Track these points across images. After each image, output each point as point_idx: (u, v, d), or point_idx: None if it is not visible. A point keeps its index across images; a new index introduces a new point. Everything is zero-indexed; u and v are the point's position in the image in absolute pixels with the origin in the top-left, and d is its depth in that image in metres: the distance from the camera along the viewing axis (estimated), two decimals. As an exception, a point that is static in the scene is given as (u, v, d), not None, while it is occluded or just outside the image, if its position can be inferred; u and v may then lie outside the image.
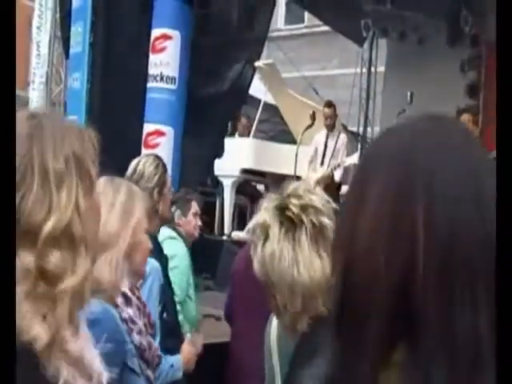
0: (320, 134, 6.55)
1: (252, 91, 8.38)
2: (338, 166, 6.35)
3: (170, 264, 2.92)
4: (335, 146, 6.47)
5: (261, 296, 1.55)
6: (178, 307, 2.96)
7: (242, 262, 3.17)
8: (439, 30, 8.83)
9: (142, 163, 2.65)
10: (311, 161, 6.54)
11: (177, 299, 2.99)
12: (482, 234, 0.60)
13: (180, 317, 2.96)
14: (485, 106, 9.08)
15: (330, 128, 6.52)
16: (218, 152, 6.95)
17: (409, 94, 6.27)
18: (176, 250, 3.09)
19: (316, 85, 9.66)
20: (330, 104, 6.60)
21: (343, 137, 6.59)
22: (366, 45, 10.19)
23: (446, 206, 0.60)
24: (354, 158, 6.40)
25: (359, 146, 10.18)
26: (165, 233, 3.04)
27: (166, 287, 2.63)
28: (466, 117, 5.40)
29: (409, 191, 0.61)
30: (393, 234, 0.60)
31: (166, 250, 2.88)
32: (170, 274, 2.89)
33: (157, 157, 2.85)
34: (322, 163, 6.48)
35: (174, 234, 3.17)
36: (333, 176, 6.34)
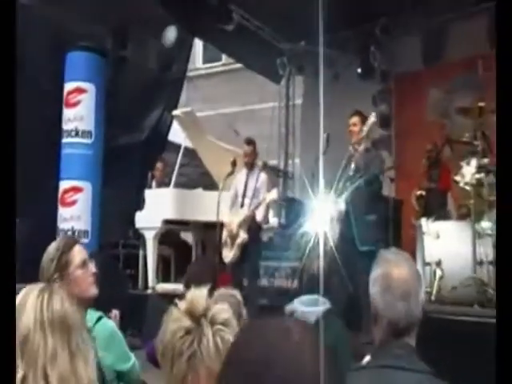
0: (240, 175, 6.33)
1: (171, 137, 8.29)
2: (259, 204, 6.22)
3: (113, 344, 2.75)
4: (255, 186, 6.26)
5: None
6: None
7: None
8: (352, 65, 9.09)
9: (44, 258, 2.50)
10: (232, 204, 6.30)
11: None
12: None
13: None
14: (396, 136, 9.42)
15: (250, 166, 6.30)
16: (139, 204, 6.78)
17: (325, 136, 6.30)
18: (109, 326, 2.86)
19: (236, 121, 9.67)
20: (249, 141, 6.42)
21: (263, 176, 6.38)
22: (283, 82, 10.33)
23: None
24: (274, 194, 6.29)
25: (281, 181, 10.27)
26: (94, 315, 2.82)
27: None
28: (354, 119, 5.41)
29: None
30: None
31: (101, 332, 2.69)
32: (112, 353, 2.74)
33: (58, 240, 2.65)
34: (243, 205, 6.26)
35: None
36: (254, 216, 6.22)
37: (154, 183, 7.20)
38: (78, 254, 2.50)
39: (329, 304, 2.86)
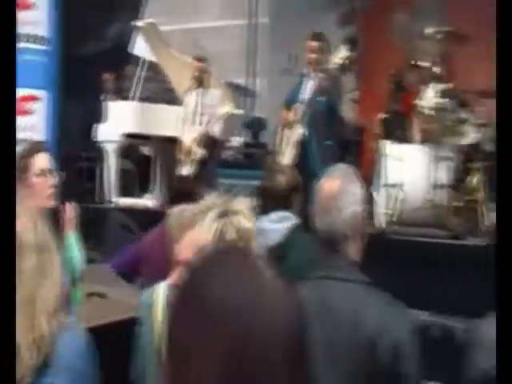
0: (191, 94, 5.98)
1: (135, 50, 7.71)
2: (214, 119, 5.90)
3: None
4: (209, 103, 5.93)
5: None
6: None
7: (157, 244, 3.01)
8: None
9: None
10: (184, 122, 5.97)
11: None
12: None
13: None
14: (362, 59, 9.05)
15: (199, 82, 5.91)
16: (100, 116, 6.35)
17: (288, 55, 5.89)
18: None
19: (202, 37, 9.11)
20: (199, 58, 6.06)
21: (216, 92, 6.08)
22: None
23: None
24: (228, 108, 6.01)
25: (245, 99, 9.86)
26: None
27: None
28: (313, 44, 5.03)
29: None
30: None
31: None
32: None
33: (25, 143, 2.42)
34: (197, 122, 5.94)
35: None
36: (209, 132, 5.90)
37: (102, 95, 6.76)
38: (39, 161, 2.26)
39: (295, 220, 2.75)
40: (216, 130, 5.97)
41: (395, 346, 1.50)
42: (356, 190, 1.70)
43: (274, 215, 2.76)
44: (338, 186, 1.68)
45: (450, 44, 5.13)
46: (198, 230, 1.33)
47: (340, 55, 4.82)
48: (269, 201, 2.91)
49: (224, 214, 1.32)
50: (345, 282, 1.58)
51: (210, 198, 1.43)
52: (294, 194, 2.82)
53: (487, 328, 1.49)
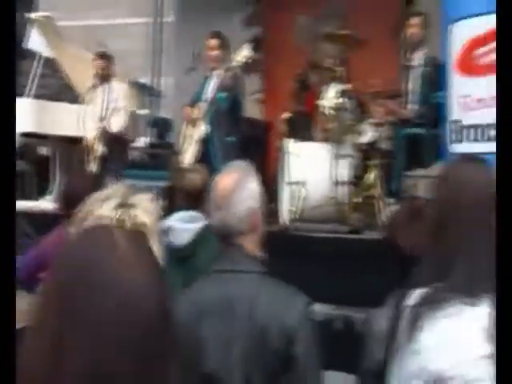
0: (95, 91, 5.79)
1: (31, 44, 7.29)
2: (113, 114, 5.69)
3: None
4: (113, 98, 5.76)
5: None
6: None
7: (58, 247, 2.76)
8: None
9: None
10: (88, 120, 5.72)
11: None
12: None
13: None
14: (267, 60, 9.16)
15: (105, 79, 5.75)
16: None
17: (195, 53, 5.87)
18: None
19: (106, 35, 8.79)
20: (101, 55, 5.88)
21: (120, 86, 5.92)
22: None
23: None
24: (124, 101, 5.83)
25: (151, 99, 9.64)
26: None
27: None
28: (213, 42, 5.07)
29: None
30: None
31: None
32: None
33: None
34: (102, 118, 5.75)
35: None
36: (109, 128, 5.68)
37: None
38: None
39: (205, 220, 2.72)
40: (113, 124, 5.73)
41: (288, 333, 1.52)
42: (252, 185, 1.71)
43: (184, 214, 2.75)
44: (233, 181, 1.68)
45: (349, 47, 5.31)
46: (93, 219, 1.31)
47: (243, 54, 4.86)
48: (180, 200, 2.88)
49: (121, 206, 1.28)
50: (239, 274, 1.61)
51: (111, 188, 1.42)
52: (205, 193, 2.84)
53: (377, 319, 1.52)
